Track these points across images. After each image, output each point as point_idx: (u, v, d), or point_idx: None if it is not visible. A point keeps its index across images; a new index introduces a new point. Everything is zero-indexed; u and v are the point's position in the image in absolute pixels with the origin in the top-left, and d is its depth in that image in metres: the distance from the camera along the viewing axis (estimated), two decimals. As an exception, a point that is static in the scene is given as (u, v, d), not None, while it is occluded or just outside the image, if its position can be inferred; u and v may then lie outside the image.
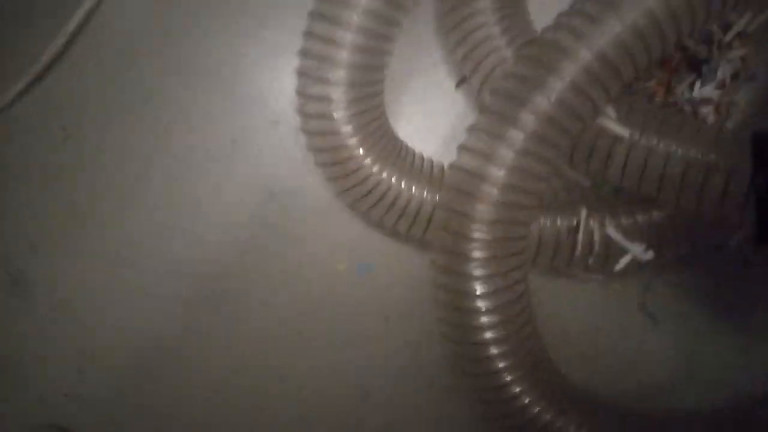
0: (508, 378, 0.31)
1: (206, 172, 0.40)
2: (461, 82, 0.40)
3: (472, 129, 0.31)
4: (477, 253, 0.30)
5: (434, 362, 0.36)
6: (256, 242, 0.40)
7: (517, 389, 0.31)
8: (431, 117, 0.40)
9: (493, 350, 0.31)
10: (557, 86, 0.29)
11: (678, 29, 0.30)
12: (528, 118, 0.29)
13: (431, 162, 0.36)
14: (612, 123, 0.32)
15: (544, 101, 0.29)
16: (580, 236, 0.34)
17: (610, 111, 0.32)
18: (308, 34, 0.33)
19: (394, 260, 0.39)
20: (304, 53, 0.33)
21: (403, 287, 0.38)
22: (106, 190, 0.41)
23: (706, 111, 0.39)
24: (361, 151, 0.33)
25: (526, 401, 0.31)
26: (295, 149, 0.39)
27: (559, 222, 0.34)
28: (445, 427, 0.38)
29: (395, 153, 0.35)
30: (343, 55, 0.32)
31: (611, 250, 0.34)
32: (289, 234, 0.40)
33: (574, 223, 0.34)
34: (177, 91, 0.41)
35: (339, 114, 0.33)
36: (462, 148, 0.31)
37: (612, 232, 0.34)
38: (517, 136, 0.30)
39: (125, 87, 0.41)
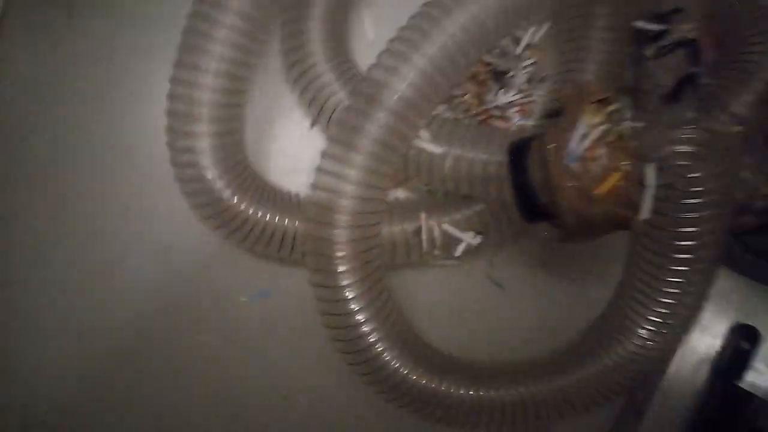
0: (386, 358, 0.39)
1: (108, 235, 0.45)
2: (314, 122, 0.47)
3: (318, 170, 0.39)
4: (341, 268, 0.38)
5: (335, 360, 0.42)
6: (165, 292, 0.45)
7: (396, 364, 0.39)
8: (294, 155, 0.46)
9: (370, 339, 0.39)
10: (374, 130, 0.37)
11: (467, 60, 0.39)
12: (358, 158, 0.37)
13: (298, 195, 0.44)
14: (427, 143, 0.40)
15: (368, 142, 0.37)
16: (424, 234, 0.42)
17: (424, 134, 0.40)
18: (173, 80, 0.38)
19: (288, 283, 0.45)
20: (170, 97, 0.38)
21: (299, 304, 0.44)
22: (11, 267, 0.45)
23: (512, 113, 0.48)
24: (235, 201, 0.40)
25: (403, 372, 0.39)
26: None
27: (405, 226, 0.42)
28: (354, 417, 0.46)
29: (265, 194, 0.42)
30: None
31: (451, 241, 0.43)
32: (193, 279, 0.45)
33: (418, 224, 0.42)
34: (71, 160, 0.45)
35: (211, 173, 0.40)
36: (313, 187, 0.39)
37: (447, 227, 0.42)
38: (353, 173, 0.37)
39: (22, 157, 0.45)
